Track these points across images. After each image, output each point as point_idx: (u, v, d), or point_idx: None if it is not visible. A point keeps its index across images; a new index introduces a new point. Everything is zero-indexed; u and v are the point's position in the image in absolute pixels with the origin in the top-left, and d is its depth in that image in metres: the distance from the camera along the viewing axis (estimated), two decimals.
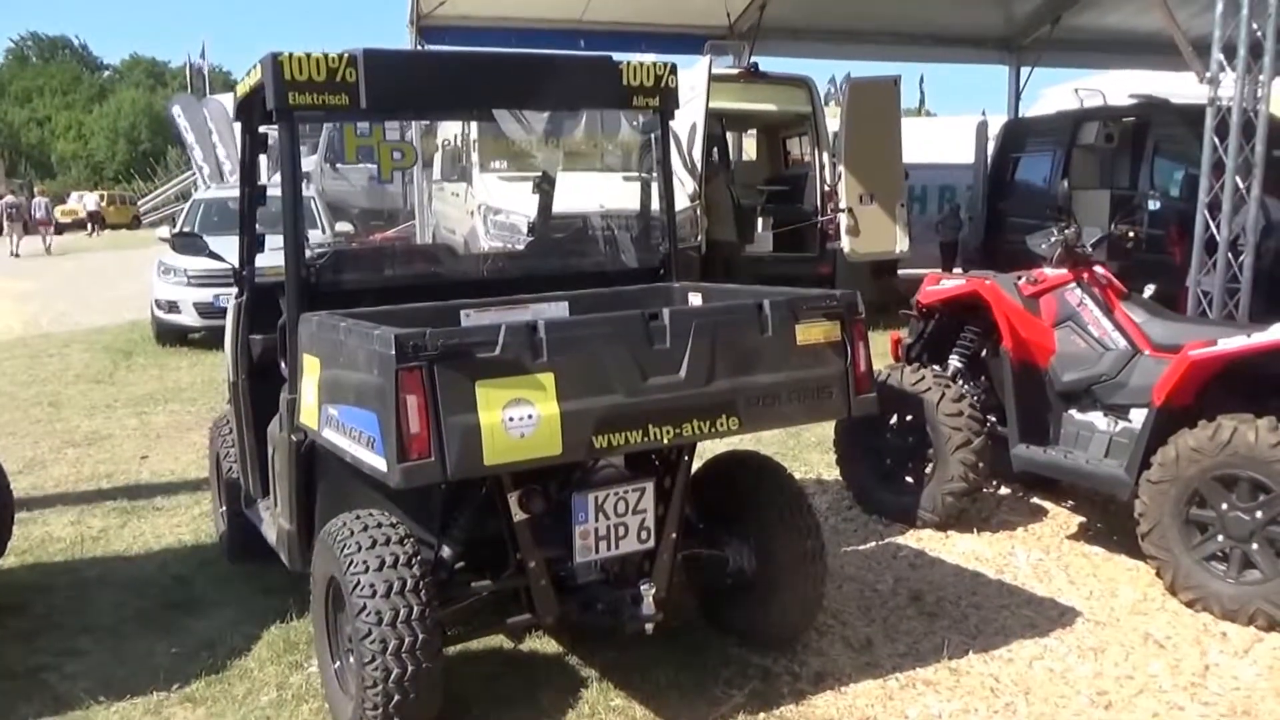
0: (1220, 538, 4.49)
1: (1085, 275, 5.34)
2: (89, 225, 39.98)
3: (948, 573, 4.95)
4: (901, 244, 12.55)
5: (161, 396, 9.54)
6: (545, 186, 5.20)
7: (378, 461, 3.07)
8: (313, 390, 3.61)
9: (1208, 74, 7.13)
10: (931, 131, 20.83)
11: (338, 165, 19.27)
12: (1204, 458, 4.47)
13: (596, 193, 9.60)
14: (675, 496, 3.69)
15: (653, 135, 4.53)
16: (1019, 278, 5.53)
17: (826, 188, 12.43)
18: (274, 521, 4.44)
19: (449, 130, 12.53)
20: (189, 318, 11.78)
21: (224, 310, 11.95)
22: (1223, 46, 7.10)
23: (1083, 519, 5.66)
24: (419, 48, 12.63)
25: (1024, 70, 16.57)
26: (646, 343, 3.29)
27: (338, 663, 3.67)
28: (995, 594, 4.71)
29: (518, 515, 3.48)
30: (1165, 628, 4.37)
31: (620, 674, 3.91)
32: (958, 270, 5.40)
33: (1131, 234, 5.69)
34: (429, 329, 3.03)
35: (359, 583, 3.31)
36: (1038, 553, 5.20)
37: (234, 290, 4.79)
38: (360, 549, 3.38)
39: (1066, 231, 5.31)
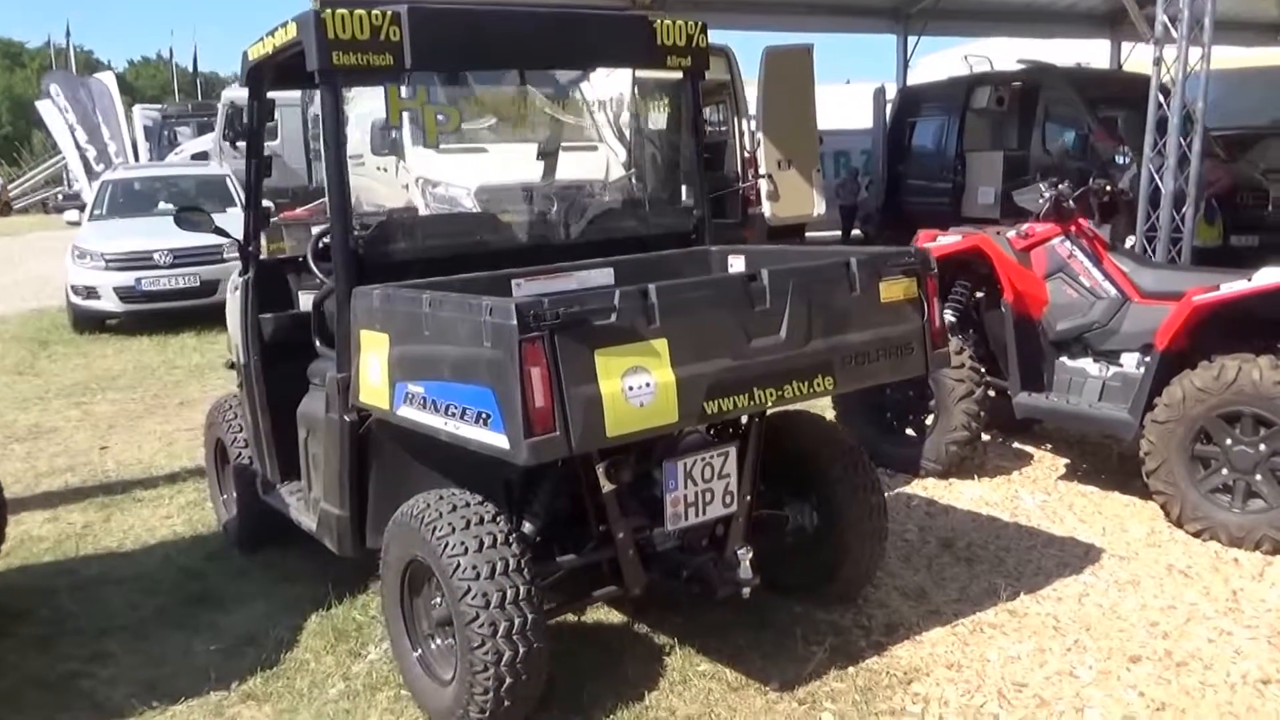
0: (1225, 471, 4.57)
1: (1073, 228, 5.35)
2: None
3: (964, 519, 4.92)
4: (819, 207, 12.60)
5: (95, 385, 8.86)
6: (548, 153, 4.94)
7: (495, 439, 2.81)
8: (379, 367, 3.31)
9: (1154, 34, 7.23)
10: (823, 99, 20.94)
11: (238, 144, 18.38)
12: (1210, 396, 4.53)
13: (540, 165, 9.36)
14: (751, 459, 3.53)
15: (682, 97, 4.30)
16: (1008, 232, 5.50)
17: (746, 154, 12.34)
18: (310, 507, 4.11)
19: (371, 104, 11.94)
20: (109, 303, 11.01)
21: (147, 294, 11.33)
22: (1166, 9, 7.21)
23: (1068, 460, 5.72)
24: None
25: (911, 39, 16.81)
26: (749, 304, 3.11)
27: (419, 650, 3.41)
28: (1017, 536, 4.70)
29: (606, 486, 3.27)
30: (1182, 558, 4.42)
31: (697, 640, 3.74)
32: (954, 230, 5.43)
33: (1108, 188, 5.72)
34: (546, 297, 2.78)
35: (459, 565, 3.06)
36: (1040, 494, 5.22)
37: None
38: (455, 530, 3.11)
39: (1060, 186, 5.29)
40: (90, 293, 11.00)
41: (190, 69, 51.86)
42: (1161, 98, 7.27)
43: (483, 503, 3.23)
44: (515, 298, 2.80)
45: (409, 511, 3.28)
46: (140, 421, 7.51)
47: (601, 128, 10.03)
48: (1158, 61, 7.34)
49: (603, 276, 3.98)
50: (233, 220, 11.49)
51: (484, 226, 4.15)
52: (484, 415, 2.84)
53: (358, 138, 13.24)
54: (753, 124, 12.26)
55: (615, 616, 3.98)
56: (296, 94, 19.32)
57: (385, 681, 3.61)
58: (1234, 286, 4.59)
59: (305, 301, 4.55)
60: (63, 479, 6.17)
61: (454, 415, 2.97)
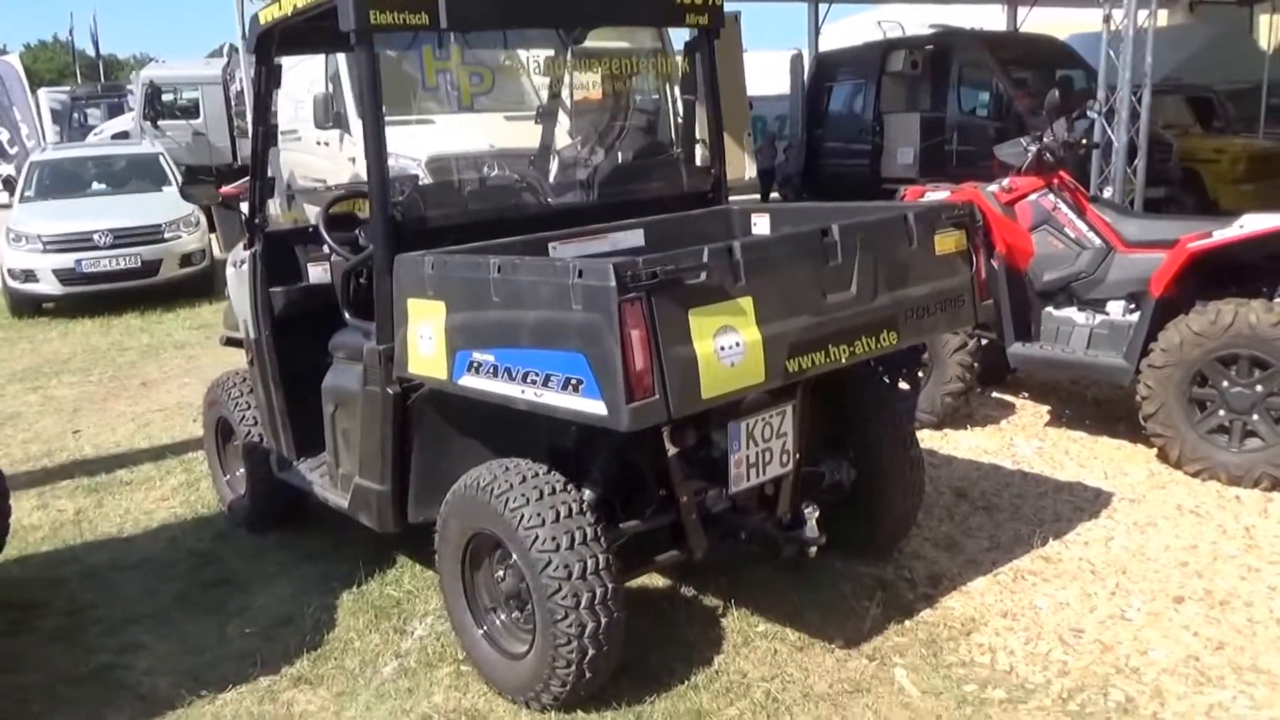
0: (1222, 412, 4.61)
1: (1055, 181, 5.33)
2: None
3: (969, 468, 4.89)
4: (750, 171, 12.56)
5: (48, 370, 8.32)
6: (547, 121, 4.72)
7: (589, 405, 2.63)
8: (432, 336, 3.10)
9: None
10: None
11: (159, 122, 17.57)
12: (1207, 340, 4.56)
13: (488, 134, 9.06)
14: (803, 416, 3.41)
15: (699, 56, 4.13)
16: (990, 187, 5.46)
17: (679, 120, 12.17)
18: (338, 483, 3.87)
19: (310, 75, 11.41)
20: (48, 286, 10.35)
21: (87, 276, 10.72)
22: None
23: (1049, 407, 5.75)
24: None
25: (822, 7, 16.82)
26: (823, 260, 2.97)
27: (483, 626, 3.22)
28: (1025, 483, 4.69)
29: (671, 450, 3.11)
30: (1188, 499, 4.46)
31: (749, 600, 3.63)
32: (938, 184, 5.44)
33: (1084, 142, 5.72)
34: (640, 257, 2.61)
35: (538, 537, 2.89)
36: (1035, 441, 5.23)
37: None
38: (530, 501, 2.94)
39: (1045, 139, 5.26)
40: (28, 276, 10.34)
41: (90, 51, 49.47)
42: (1111, 53, 7.32)
43: (549, 472, 3.06)
44: (610, 259, 2.62)
45: (473, 484, 3.09)
46: (106, 404, 7.07)
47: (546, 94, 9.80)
48: (1107, 18, 7.38)
49: (633, 238, 3.81)
50: (170, 201, 11.10)
51: (516, 191, 3.94)
52: (574, 381, 2.66)
53: (290, 112, 12.72)
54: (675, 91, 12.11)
55: (660, 581, 3.84)
56: (216, 70, 18.66)
57: (441, 657, 3.42)
58: (1227, 233, 4.62)
59: (315, 274, 4.29)
60: (40, 465, 5.76)
61: (534, 383, 2.78)
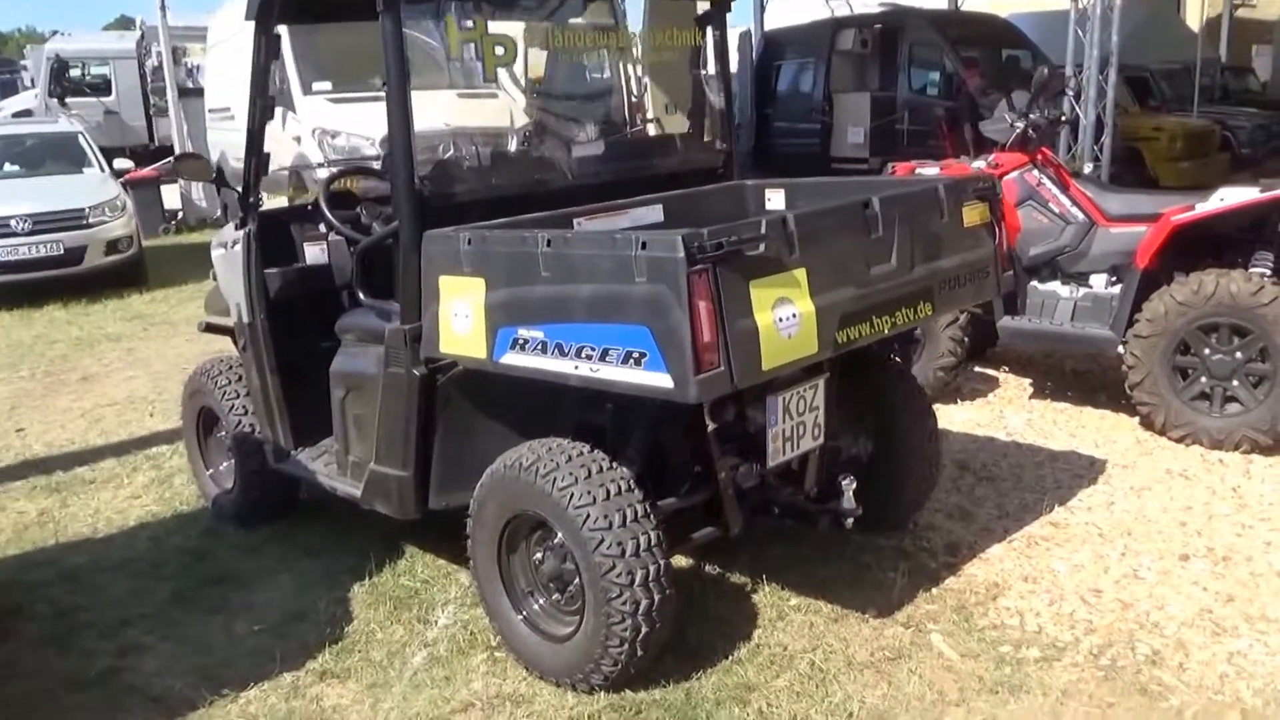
0: (1204, 379, 4.82)
1: (1039, 157, 5.49)
2: None
3: (965, 440, 5.03)
4: None
5: None
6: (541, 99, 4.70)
7: (654, 379, 2.64)
8: (470, 314, 3.07)
9: None
10: None
11: (66, 100, 16.92)
12: (1190, 310, 4.76)
13: (443, 112, 8.93)
14: (831, 390, 3.47)
15: (710, 30, 4.17)
16: (974, 163, 5.59)
17: (633, 100, 12.17)
18: (347, 471, 3.82)
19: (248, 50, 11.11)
20: None
21: (4, 265, 10.27)
22: None
23: (1030, 380, 5.93)
24: None
25: None
26: (866, 232, 3.03)
27: (522, 612, 3.22)
28: (1020, 453, 4.84)
29: (710, 425, 3.15)
30: (1176, 462, 4.66)
31: (777, 576, 3.68)
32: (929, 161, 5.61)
33: (1063, 119, 5.89)
34: (705, 229, 2.63)
35: (589, 516, 2.90)
36: (1024, 413, 5.39)
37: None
38: (578, 480, 2.94)
39: (1031, 116, 5.41)
40: None
41: None
42: (1079, 32, 7.54)
43: (593, 450, 3.06)
44: (676, 230, 2.63)
45: (515, 465, 3.07)
46: (47, 400, 6.81)
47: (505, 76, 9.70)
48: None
49: (654, 214, 3.82)
50: (93, 184, 10.69)
51: (538, 166, 3.91)
52: (636, 355, 2.67)
53: (223, 89, 12.38)
54: (638, 68, 12.11)
55: (683, 561, 3.86)
56: (129, 44, 18.04)
57: (472, 644, 3.40)
58: (1208, 206, 4.82)
59: (312, 254, 4.21)
60: None
61: (590, 357, 2.78)
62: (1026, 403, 5.57)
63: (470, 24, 3.53)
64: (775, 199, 4.04)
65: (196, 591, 3.96)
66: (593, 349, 2.77)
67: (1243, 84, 18.02)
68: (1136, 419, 5.08)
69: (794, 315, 2.77)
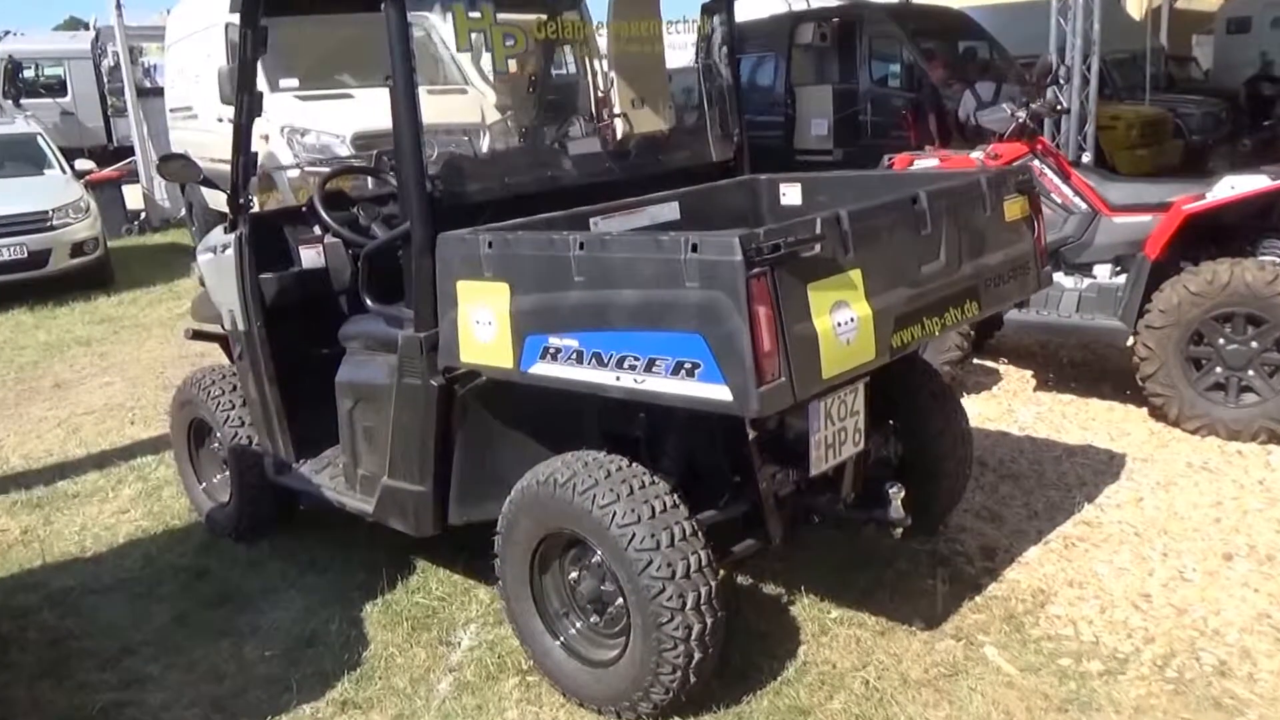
0: (1219, 369, 4.70)
1: (1038, 146, 5.34)
2: None
3: (979, 436, 4.79)
4: None
5: None
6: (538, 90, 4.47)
7: (710, 391, 2.43)
8: (493, 321, 2.85)
9: None
10: None
11: (21, 101, 16.34)
12: (1205, 299, 4.63)
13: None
14: (868, 393, 3.29)
15: (719, 22, 3.95)
16: (973, 153, 5.44)
17: (600, 94, 11.92)
18: (356, 485, 3.58)
19: (207, 48, 10.70)
20: None
21: None
22: None
23: (1032, 372, 5.79)
24: None
25: None
26: (915, 229, 2.84)
27: (559, 636, 3.00)
28: (1036, 449, 4.70)
29: (751, 434, 2.95)
30: (1195, 455, 4.53)
31: (814, 587, 3.49)
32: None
33: (1058, 107, 5.75)
34: (761, 229, 2.42)
35: (634, 535, 2.68)
36: (1032, 406, 5.25)
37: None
38: (620, 498, 2.73)
39: (1032, 105, 5.26)
40: None
41: None
42: (1061, 20, 7.43)
43: (631, 464, 2.85)
44: (731, 231, 2.42)
45: (548, 480, 2.85)
46: (21, 409, 6.47)
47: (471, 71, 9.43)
48: None
49: (670, 211, 3.62)
50: (55, 186, 10.28)
51: (550, 163, 3.68)
52: (688, 365, 2.46)
53: (183, 87, 11.96)
54: (604, 64, 11.87)
55: None
56: (83, 44, 17.45)
57: (501, 668, 3.18)
58: (1220, 194, 4.70)
59: (307, 257, 3.95)
60: None
61: (633, 368, 2.56)
62: (1033, 395, 5.43)
63: (478, 14, 3.29)
64: (790, 194, 3.85)
65: (198, 613, 3.71)
66: (636, 359, 2.56)
67: (1186, 72, 18.12)
68: (1146, 410, 4.96)
69: (851, 319, 2.57)
